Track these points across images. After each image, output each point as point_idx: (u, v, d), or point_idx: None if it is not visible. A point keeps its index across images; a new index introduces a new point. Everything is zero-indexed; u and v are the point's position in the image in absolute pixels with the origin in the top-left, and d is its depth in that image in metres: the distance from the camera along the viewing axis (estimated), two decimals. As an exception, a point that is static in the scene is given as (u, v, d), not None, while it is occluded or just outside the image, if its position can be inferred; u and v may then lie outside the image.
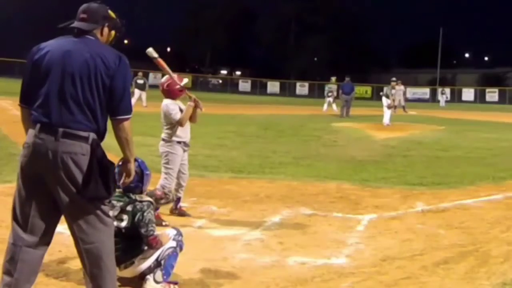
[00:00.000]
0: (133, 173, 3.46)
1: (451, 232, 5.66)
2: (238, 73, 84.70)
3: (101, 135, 3.21)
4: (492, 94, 57.17)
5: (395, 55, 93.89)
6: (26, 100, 3.22)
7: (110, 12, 3.40)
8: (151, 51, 5.13)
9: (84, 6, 3.33)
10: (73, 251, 4.53)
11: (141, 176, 4.01)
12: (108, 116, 3.22)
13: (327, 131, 17.30)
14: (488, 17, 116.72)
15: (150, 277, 3.88)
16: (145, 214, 3.84)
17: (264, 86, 62.97)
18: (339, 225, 5.85)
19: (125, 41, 78.26)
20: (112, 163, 3.19)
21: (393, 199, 7.17)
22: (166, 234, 4.06)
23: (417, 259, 4.76)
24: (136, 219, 3.82)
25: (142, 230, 3.80)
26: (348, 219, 6.14)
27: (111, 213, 3.63)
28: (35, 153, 3.09)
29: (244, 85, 63.85)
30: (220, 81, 72.25)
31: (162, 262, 3.91)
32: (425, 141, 14.75)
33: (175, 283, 3.94)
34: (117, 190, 3.85)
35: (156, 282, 3.86)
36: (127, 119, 3.23)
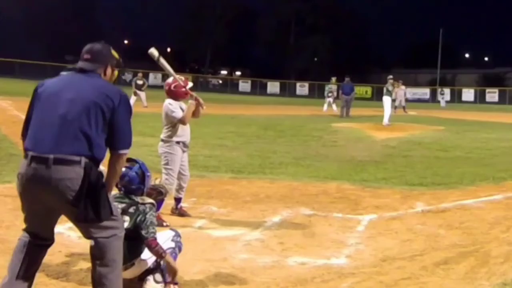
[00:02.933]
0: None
1: (451, 233, 5.66)
2: (238, 73, 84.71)
3: (96, 162, 3.20)
4: (492, 95, 57.13)
5: (395, 55, 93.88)
6: (27, 133, 3.28)
7: (113, 51, 3.52)
8: (153, 51, 5.12)
9: (88, 46, 3.45)
10: (73, 251, 4.56)
11: (143, 178, 4.01)
12: (106, 148, 3.28)
13: (327, 131, 17.30)
14: (488, 17, 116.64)
15: (150, 278, 3.89)
16: (147, 216, 3.83)
17: (264, 86, 62.95)
18: (339, 226, 5.85)
19: (125, 41, 78.36)
20: (104, 187, 3.19)
21: (393, 200, 7.17)
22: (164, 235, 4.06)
23: (417, 259, 4.76)
24: (137, 220, 3.82)
25: (143, 232, 3.79)
26: (348, 219, 6.14)
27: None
28: (28, 183, 3.14)
29: (244, 85, 63.84)
30: (220, 81, 72.27)
31: (162, 262, 3.91)
32: (425, 142, 14.75)
33: (175, 284, 3.93)
34: (118, 192, 3.88)
35: (156, 282, 3.86)
36: (125, 154, 3.34)
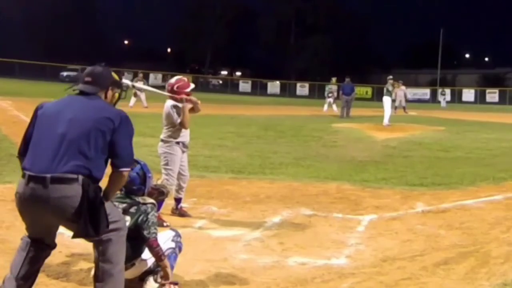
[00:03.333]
0: None
1: (452, 233, 5.65)
2: (238, 73, 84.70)
3: (94, 180, 3.21)
4: (493, 95, 57.11)
5: (395, 56, 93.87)
6: (24, 152, 3.30)
7: (113, 73, 3.58)
8: (124, 81, 5.19)
9: (89, 69, 3.51)
10: (73, 251, 4.56)
11: (144, 179, 4.01)
12: (105, 167, 3.31)
13: (327, 131, 17.30)
14: (488, 17, 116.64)
15: (150, 278, 3.89)
16: (149, 216, 3.83)
17: (265, 86, 62.94)
18: (340, 226, 5.84)
19: (125, 41, 78.40)
20: (103, 203, 3.20)
21: (394, 200, 7.17)
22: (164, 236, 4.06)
23: (418, 259, 4.76)
24: (139, 220, 3.81)
25: (145, 232, 3.79)
26: (348, 219, 6.13)
27: None
28: (27, 202, 3.17)
29: (244, 85, 63.83)
30: (220, 82, 72.26)
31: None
32: (426, 142, 14.75)
33: (175, 284, 3.93)
34: (119, 192, 3.89)
35: (156, 282, 3.86)
36: (126, 172, 3.37)
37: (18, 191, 3.19)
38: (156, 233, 3.82)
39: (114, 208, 3.42)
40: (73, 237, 3.21)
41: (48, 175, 3.07)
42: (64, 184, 3.08)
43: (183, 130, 5.93)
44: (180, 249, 4.12)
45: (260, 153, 11.21)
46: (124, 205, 3.87)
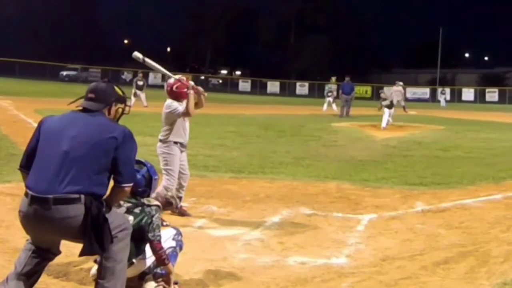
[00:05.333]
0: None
1: (451, 232, 5.66)
2: (238, 73, 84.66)
3: (97, 196, 3.21)
4: (492, 94, 57.11)
5: (395, 55, 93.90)
6: (26, 165, 3.32)
7: (117, 89, 3.56)
8: (136, 54, 5.22)
9: (92, 85, 3.52)
10: (73, 251, 4.54)
11: (149, 181, 4.01)
12: (108, 183, 3.33)
13: (327, 131, 17.30)
14: (488, 17, 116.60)
15: (150, 278, 3.89)
16: (153, 219, 3.84)
17: (264, 86, 62.92)
18: (339, 225, 5.85)
19: (125, 41, 78.32)
20: (106, 220, 3.20)
21: (393, 199, 7.17)
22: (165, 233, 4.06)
23: (417, 259, 4.76)
24: (143, 222, 3.81)
25: (150, 235, 3.79)
26: (348, 219, 6.14)
27: None
28: (31, 222, 3.18)
29: (244, 85, 63.80)
30: (220, 81, 72.26)
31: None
32: (425, 141, 14.75)
33: (175, 283, 3.93)
34: None
35: (157, 282, 3.86)
36: (128, 187, 3.39)
37: (22, 209, 3.20)
38: (160, 236, 3.83)
39: (116, 213, 3.43)
40: (80, 255, 3.25)
41: (51, 196, 3.07)
42: (67, 205, 3.09)
43: (182, 130, 5.92)
44: (181, 248, 4.12)
45: (260, 153, 11.22)
46: (129, 204, 3.87)
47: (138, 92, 24.70)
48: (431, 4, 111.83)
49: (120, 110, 3.56)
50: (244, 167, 9.30)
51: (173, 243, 4.04)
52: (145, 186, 3.98)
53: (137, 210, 3.86)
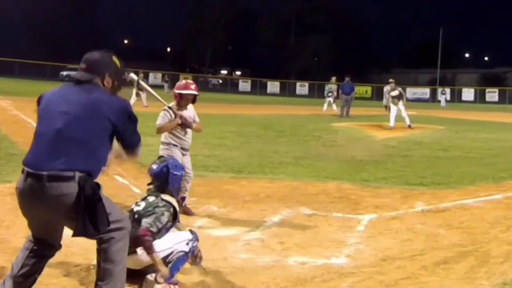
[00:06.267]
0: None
1: (451, 232, 5.66)
2: (238, 73, 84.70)
3: (94, 172, 3.18)
4: (492, 94, 57.16)
5: (395, 55, 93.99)
6: None
7: (114, 59, 3.40)
8: (132, 76, 5.30)
9: (86, 55, 3.36)
10: (73, 251, 4.55)
11: (167, 176, 4.21)
12: (105, 159, 3.30)
13: (327, 131, 17.30)
14: (488, 17, 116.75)
15: (149, 276, 3.88)
16: (156, 209, 3.99)
17: (264, 86, 62.97)
18: (339, 225, 5.85)
19: (125, 41, 78.37)
20: (100, 200, 3.13)
21: (393, 199, 7.17)
22: (179, 237, 4.09)
23: (417, 259, 4.76)
24: (148, 209, 3.98)
25: (143, 220, 3.93)
26: (348, 219, 6.14)
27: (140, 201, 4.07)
28: (26, 198, 3.16)
29: (244, 85, 63.84)
30: (220, 81, 72.33)
31: (170, 264, 3.94)
32: (425, 141, 14.74)
33: (175, 283, 3.93)
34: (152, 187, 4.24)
35: (157, 282, 3.86)
36: (137, 150, 3.41)
37: (18, 186, 3.18)
38: (152, 226, 3.91)
39: (115, 207, 3.40)
40: (73, 235, 3.17)
41: (45, 173, 3.05)
42: (61, 182, 3.05)
43: (183, 134, 5.97)
44: (192, 253, 4.12)
45: (260, 153, 11.22)
46: (152, 198, 4.12)
47: (140, 92, 24.63)
48: (431, 4, 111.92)
49: (116, 82, 3.40)
50: (244, 167, 9.30)
51: (186, 248, 4.04)
52: (163, 181, 4.19)
53: (150, 199, 4.10)
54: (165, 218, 4.02)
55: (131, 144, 3.37)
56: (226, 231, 5.50)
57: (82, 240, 3.82)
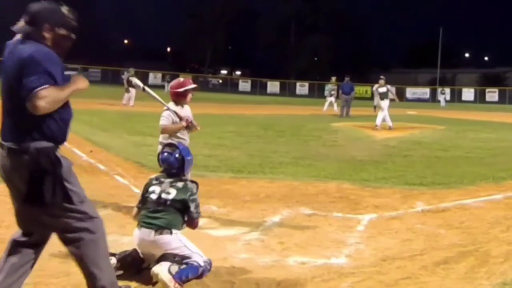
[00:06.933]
0: (86, 82, 3.15)
1: (451, 232, 5.66)
2: (238, 73, 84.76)
3: (54, 140, 3.03)
4: (492, 94, 57.19)
5: (395, 55, 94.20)
6: None
7: (63, 9, 3.10)
8: (136, 82, 5.34)
9: (27, 7, 3.08)
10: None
11: (182, 162, 4.30)
12: (58, 120, 3.04)
13: (327, 131, 17.30)
14: (488, 16, 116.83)
15: (166, 264, 3.93)
16: (195, 196, 4.16)
17: (264, 86, 62.97)
18: (339, 225, 5.84)
19: (125, 41, 78.38)
20: (53, 172, 2.99)
21: (393, 199, 7.17)
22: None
23: (417, 259, 4.76)
24: (187, 196, 4.11)
25: (194, 211, 4.13)
26: (348, 219, 6.13)
27: (158, 188, 4.12)
28: (2, 168, 3.12)
29: (244, 85, 63.84)
30: (220, 81, 72.35)
31: (185, 265, 4.01)
32: (425, 141, 14.75)
33: (181, 284, 3.92)
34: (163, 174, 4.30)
35: (170, 272, 3.88)
36: (31, 96, 2.84)
37: None
38: (200, 214, 4.21)
39: (91, 205, 3.26)
40: (21, 203, 3.08)
41: (6, 145, 3.02)
42: (15, 156, 2.99)
43: (182, 134, 5.95)
44: (202, 275, 4.08)
45: (259, 153, 11.22)
46: (171, 179, 4.19)
47: (131, 89, 24.19)
48: (431, 4, 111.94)
49: (61, 32, 3.07)
50: (244, 167, 9.30)
51: (201, 263, 4.07)
52: (179, 167, 4.27)
53: (179, 185, 4.16)
54: (199, 201, 4.25)
55: (27, 87, 2.84)
56: (226, 231, 5.49)
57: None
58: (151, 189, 4.24)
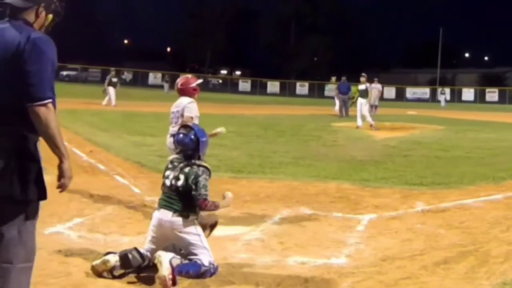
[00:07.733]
0: (69, 174, 2.84)
1: (451, 232, 5.65)
2: (238, 73, 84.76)
3: (34, 131, 2.79)
4: (492, 94, 57.22)
5: (395, 55, 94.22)
6: None
7: None
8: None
9: None
10: (73, 251, 4.56)
11: (197, 143, 4.33)
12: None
13: (327, 131, 17.30)
14: (488, 16, 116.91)
15: (169, 256, 3.95)
16: (199, 178, 4.15)
17: (264, 86, 63.00)
18: (339, 225, 5.84)
19: (125, 41, 78.45)
20: (36, 165, 2.79)
21: (393, 199, 7.17)
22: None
23: (417, 259, 4.76)
24: (190, 181, 4.13)
25: (195, 193, 4.11)
26: (348, 219, 6.13)
27: (171, 174, 4.16)
28: None
29: (244, 85, 63.88)
30: (220, 81, 72.32)
31: (188, 260, 4.06)
32: (425, 141, 14.74)
33: (175, 283, 3.92)
34: (178, 155, 4.34)
35: (171, 264, 3.90)
36: (42, 105, 2.71)
37: None
38: (206, 194, 4.15)
39: (34, 239, 2.93)
40: (4, 202, 2.75)
41: None
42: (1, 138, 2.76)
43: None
44: (202, 275, 4.08)
45: (259, 153, 11.22)
46: (181, 164, 4.24)
47: (113, 89, 24.35)
48: (431, 4, 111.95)
49: (50, 16, 3.00)
50: (244, 167, 9.30)
51: (206, 263, 4.09)
52: (194, 149, 4.32)
53: (186, 170, 4.20)
54: (208, 181, 4.24)
55: (35, 88, 2.70)
56: (226, 231, 5.48)
57: (82, 240, 3.84)
58: (166, 173, 4.33)
